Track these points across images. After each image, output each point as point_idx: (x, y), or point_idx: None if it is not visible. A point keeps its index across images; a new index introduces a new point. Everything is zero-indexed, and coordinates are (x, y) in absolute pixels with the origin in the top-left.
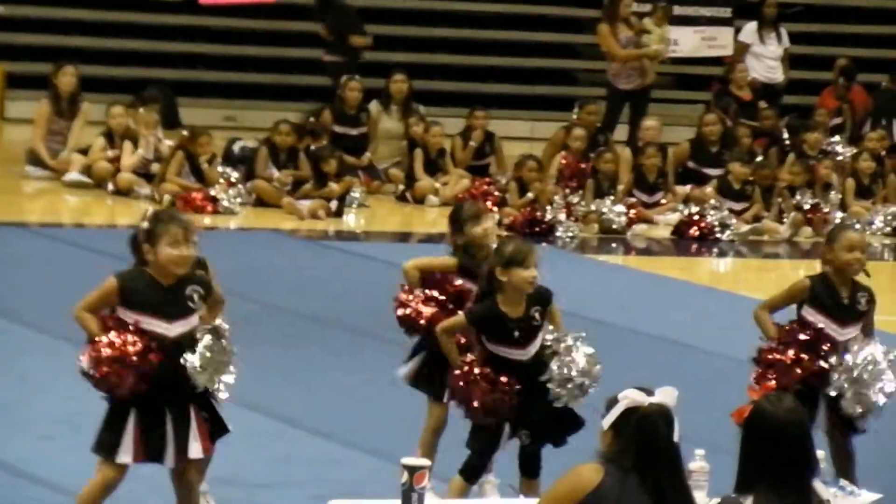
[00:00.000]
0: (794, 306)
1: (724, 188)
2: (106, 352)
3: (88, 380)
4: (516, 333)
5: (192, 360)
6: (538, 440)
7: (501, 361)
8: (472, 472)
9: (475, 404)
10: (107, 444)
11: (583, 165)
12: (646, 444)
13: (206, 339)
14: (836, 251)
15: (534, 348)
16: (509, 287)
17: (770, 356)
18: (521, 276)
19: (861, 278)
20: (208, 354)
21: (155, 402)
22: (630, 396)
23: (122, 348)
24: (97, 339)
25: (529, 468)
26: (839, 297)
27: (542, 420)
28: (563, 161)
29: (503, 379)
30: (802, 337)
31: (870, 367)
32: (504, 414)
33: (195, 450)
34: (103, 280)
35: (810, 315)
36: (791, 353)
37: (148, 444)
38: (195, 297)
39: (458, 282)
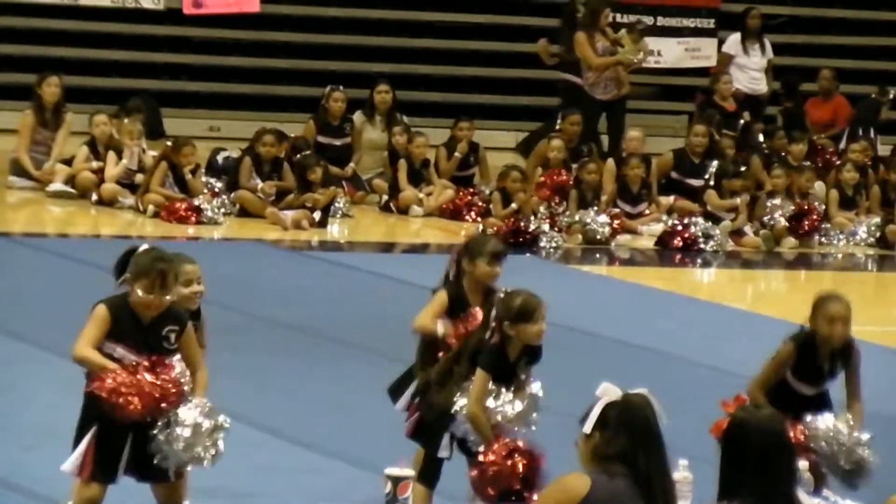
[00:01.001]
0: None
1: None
2: (123, 381)
3: (103, 404)
4: (510, 376)
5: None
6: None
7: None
8: (429, 476)
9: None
10: (76, 461)
11: (563, 177)
12: (633, 428)
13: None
14: (817, 321)
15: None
16: (516, 339)
17: None
18: (528, 331)
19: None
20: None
21: (117, 425)
22: (609, 392)
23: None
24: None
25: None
26: (820, 366)
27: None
28: (543, 178)
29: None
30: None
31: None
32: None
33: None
34: (92, 310)
35: (791, 382)
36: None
37: (102, 462)
38: (172, 337)
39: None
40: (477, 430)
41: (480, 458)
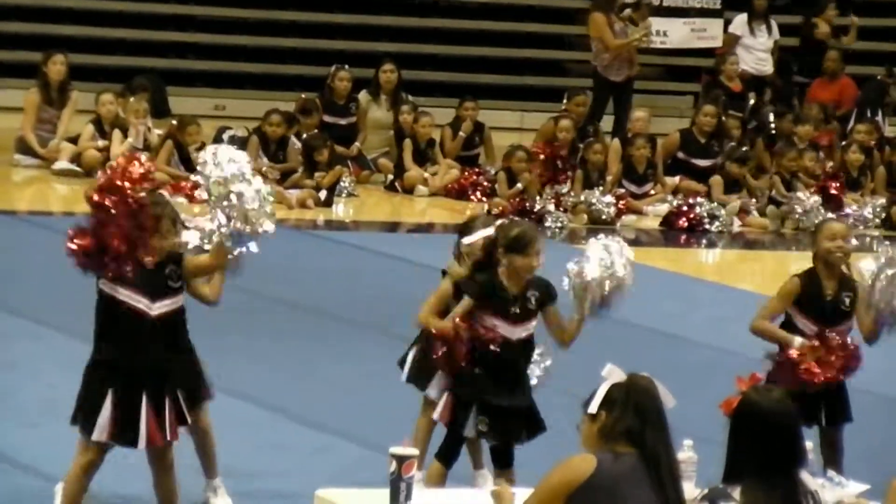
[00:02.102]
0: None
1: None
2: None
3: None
4: (512, 309)
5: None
6: (495, 432)
7: (487, 338)
8: (448, 455)
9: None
10: (83, 422)
11: (562, 154)
12: (639, 407)
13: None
14: (819, 241)
15: (524, 331)
16: (509, 268)
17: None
18: (520, 263)
19: (849, 275)
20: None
21: (132, 385)
22: (614, 373)
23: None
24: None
25: (500, 460)
26: (824, 297)
27: (504, 410)
28: (537, 149)
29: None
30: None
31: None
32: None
33: (168, 434)
34: None
35: (796, 318)
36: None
37: (123, 426)
38: (174, 276)
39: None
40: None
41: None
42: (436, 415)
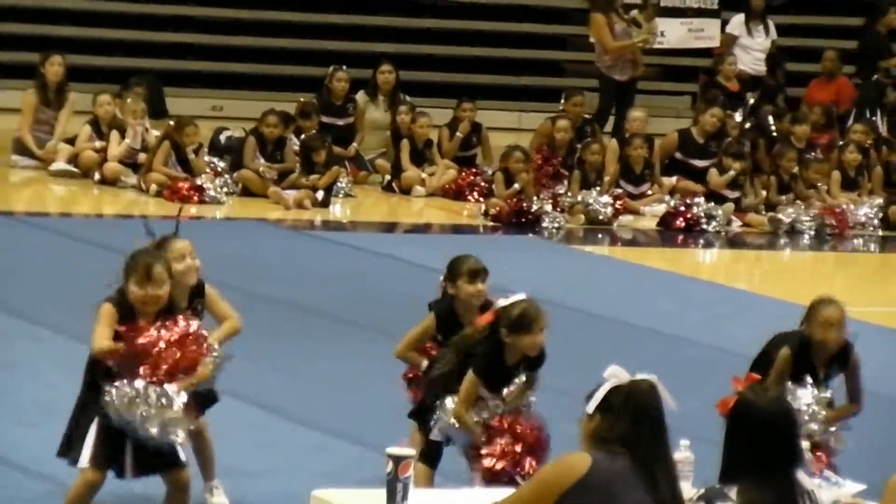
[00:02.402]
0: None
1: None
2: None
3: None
4: (506, 387)
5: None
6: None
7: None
8: (430, 456)
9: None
10: (69, 449)
11: (556, 161)
12: (636, 415)
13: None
14: (813, 327)
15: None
16: (513, 346)
17: None
18: (526, 342)
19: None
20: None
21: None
22: (616, 374)
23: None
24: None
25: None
26: (816, 370)
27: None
28: (539, 159)
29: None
30: None
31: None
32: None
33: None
34: (98, 309)
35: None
36: None
37: (106, 454)
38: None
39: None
40: (463, 428)
41: (484, 455)
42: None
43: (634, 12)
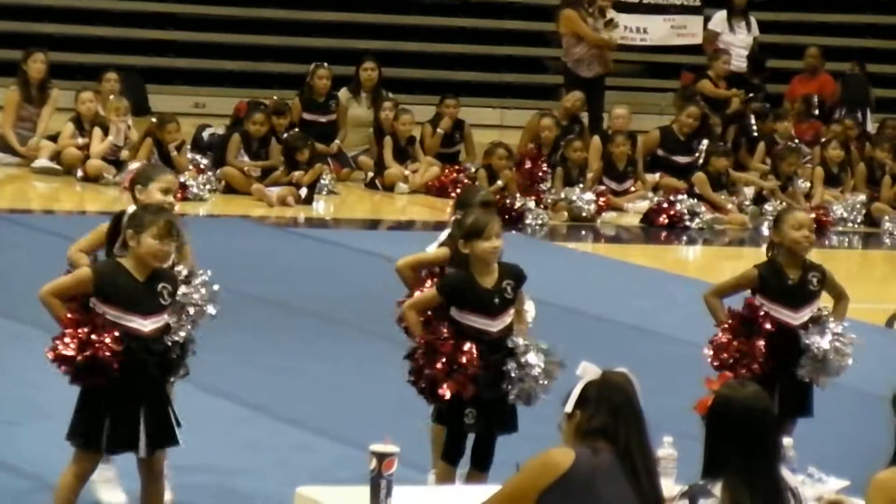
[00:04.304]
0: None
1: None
2: (76, 351)
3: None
4: (495, 300)
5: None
6: (482, 422)
7: (469, 334)
8: (452, 453)
9: (435, 381)
10: (79, 433)
11: (542, 162)
12: (612, 405)
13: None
14: (783, 231)
15: (502, 323)
16: (474, 259)
17: (732, 344)
18: (481, 247)
19: (813, 258)
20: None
21: (128, 394)
22: (589, 371)
23: (96, 351)
24: (69, 334)
25: (480, 460)
26: (787, 280)
27: (491, 402)
28: (528, 160)
29: (465, 348)
30: (767, 327)
31: (834, 353)
32: (465, 389)
33: (165, 440)
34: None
35: (763, 303)
36: (760, 343)
37: (121, 433)
38: (166, 293)
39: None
40: (408, 325)
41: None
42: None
43: (601, 6)
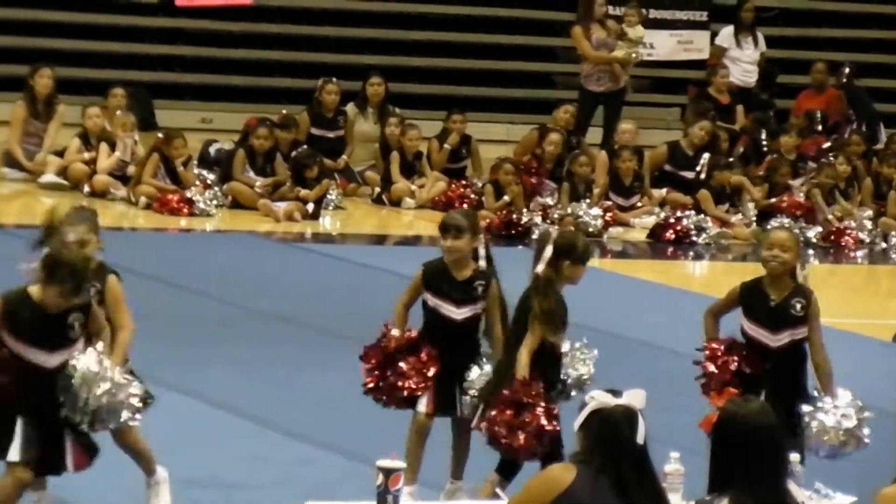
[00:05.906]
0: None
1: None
2: None
3: None
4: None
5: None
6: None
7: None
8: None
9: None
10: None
11: (548, 167)
12: (608, 445)
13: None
14: (762, 251)
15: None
16: (559, 281)
17: (706, 363)
18: (580, 273)
19: (805, 283)
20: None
21: (34, 417)
22: (597, 398)
23: None
24: None
25: (507, 470)
26: (769, 301)
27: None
28: (532, 180)
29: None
30: (736, 346)
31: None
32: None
33: (69, 464)
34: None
35: (744, 322)
36: (733, 363)
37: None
38: (76, 325)
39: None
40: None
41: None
42: (421, 406)
43: (624, 25)
